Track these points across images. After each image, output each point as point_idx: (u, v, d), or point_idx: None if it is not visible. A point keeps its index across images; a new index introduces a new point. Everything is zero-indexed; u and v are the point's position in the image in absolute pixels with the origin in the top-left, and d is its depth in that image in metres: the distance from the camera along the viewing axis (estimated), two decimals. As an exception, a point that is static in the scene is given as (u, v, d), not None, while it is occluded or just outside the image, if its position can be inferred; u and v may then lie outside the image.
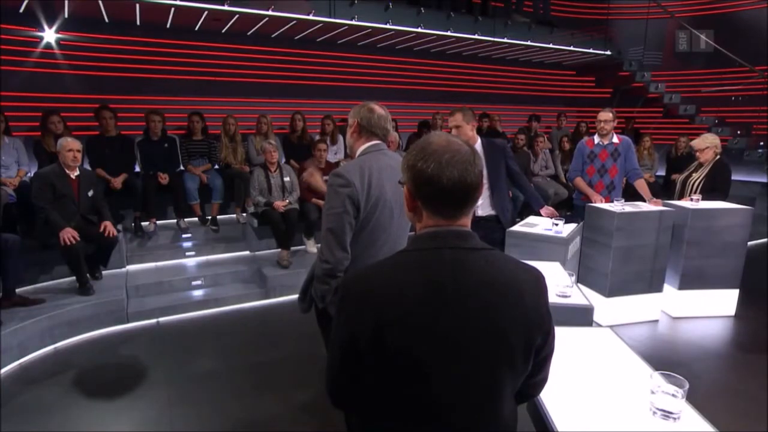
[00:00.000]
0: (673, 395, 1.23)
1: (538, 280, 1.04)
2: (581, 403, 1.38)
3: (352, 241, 1.86)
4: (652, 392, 1.27)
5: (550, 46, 7.28)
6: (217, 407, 2.84)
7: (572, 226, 3.59)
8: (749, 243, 4.26)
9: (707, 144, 4.37)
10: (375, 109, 1.97)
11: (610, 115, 4.25)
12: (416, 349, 0.95)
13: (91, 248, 4.11)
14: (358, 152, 1.98)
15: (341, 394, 1.10)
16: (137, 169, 5.20)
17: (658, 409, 1.26)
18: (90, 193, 4.13)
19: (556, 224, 3.29)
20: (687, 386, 1.23)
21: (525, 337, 0.99)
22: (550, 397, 1.36)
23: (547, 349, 1.07)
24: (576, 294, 2.16)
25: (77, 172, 4.04)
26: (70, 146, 3.91)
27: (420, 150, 1.02)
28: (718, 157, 4.43)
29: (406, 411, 0.98)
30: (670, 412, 1.24)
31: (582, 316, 2.01)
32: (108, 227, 4.02)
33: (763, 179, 7.58)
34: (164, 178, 5.01)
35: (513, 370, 0.99)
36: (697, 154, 4.45)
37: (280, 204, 4.89)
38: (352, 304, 1.00)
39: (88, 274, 4.07)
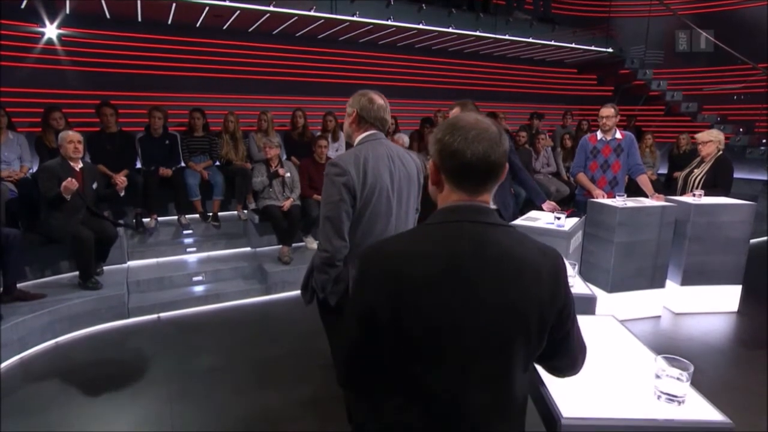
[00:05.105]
0: (678, 378, 1.22)
1: (556, 259, 1.06)
2: (586, 389, 1.37)
3: (351, 230, 1.86)
4: (657, 376, 1.26)
5: (552, 43, 7.27)
6: (218, 403, 2.83)
7: (574, 220, 3.59)
8: (752, 241, 4.25)
9: (711, 138, 4.36)
10: (375, 99, 1.96)
11: (612, 110, 4.24)
12: (435, 320, 0.97)
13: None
14: (356, 141, 1.98)
15: (355, 369, 1.10)
16: (138, 165, 5.20)
17: (662, 393, 1.25)
18: (94, 186, 4.14)
19: (558, 218, 3.28)
20: (692, 369, 1.22)
21: (539, 311, 1.00)
22: (554, 383, 1.35)
23: (563, 330, 1.07)
24: (578, 284, 2.15)
25: (81, 165, 4.04)
26: (71, 138, 3.92)
27: (449, 126, 1.05)
28: (720, 153, 4.42)
29: (420, 383, 1.00)
30: (675, 396, 1.23)
31: (585, 306, 2.00)
32: (119, 181, 4.04)
33: (765, 177, 7.56)
34: (166, 172, 5.02)
35: (527, 343, 1.01)
36: (700, 147, 4.43)
37: (287, 204, 4.92)
38: (371, 275, 1.02)
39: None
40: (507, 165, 1.08)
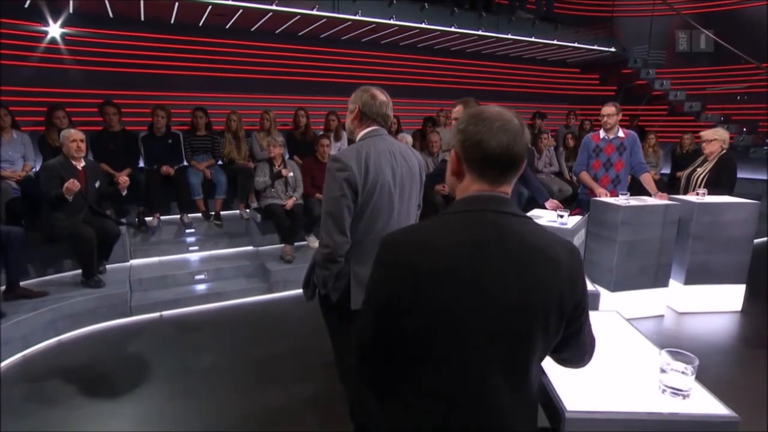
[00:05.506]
0: (683, 372, 1.21)
1: (574, 252, 1.06)
2: (590, 383, 1.36)
3: (353, 226, 1.85)
4: (662, 370, 1.25)
5: (554, 42, 7.26)
6: (220, 401, 2.83)
7: (577, 218, 3.58)
8: (755, 241, 4.22)
9: (716, 136, 4.33)
10: (377, 95, 1.96)
11: (613, 108, 4.23)
12: (457, 306, 0.96)
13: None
14: (358, 137, 1.97)
15: (368, 363, 1.08)
16: (141, 164, 5.21)
17: (667, 387, 1.24)
18: (97, 184, 4.14)
19: (561, 216, 3.27)
20: (697, 362, 1.21)
21: (558, 301, 1.00)
22: (558, 377, 1.35)
23: (577, 323, 1.08)
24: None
25: (83, 163, 4.05)
26: (73, 137, 3.91)
27: (472, 116, 1.05)
28: (724, 151, 4.40)
29: (438, 377, 0.99)
30: (680, 390, 1.22)
31: (589, 302, 1.99)
32: (121, 180, 4.04)
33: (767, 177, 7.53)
34: (169, 171, 5.03)
35: (545, 333, 1.01)
36: (704, 145, 4.41)
37: (289, 203, 4.95)
38: (393, 259, 1.01)
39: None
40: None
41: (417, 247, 0.99)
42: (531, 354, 1.00)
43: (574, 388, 1.32)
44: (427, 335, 0.98)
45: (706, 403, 1.24)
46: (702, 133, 4.49)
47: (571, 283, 1.02)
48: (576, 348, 1.12)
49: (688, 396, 1.23)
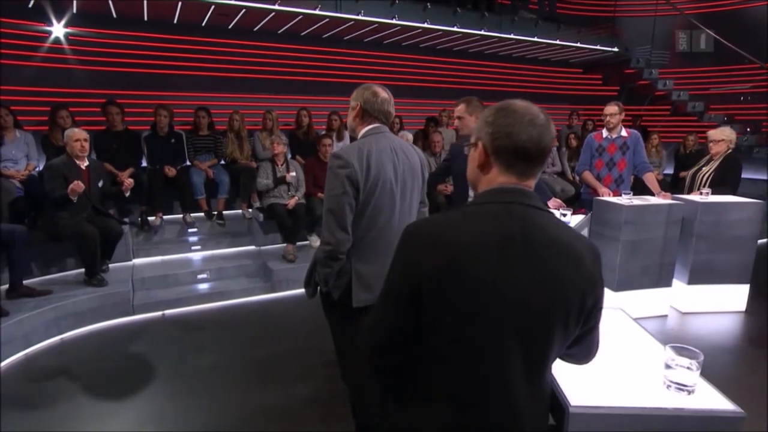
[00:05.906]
0: (688, 368, 1.21)
1: (594, 249, 1.06)
2: (594, 378, 1.35)
3: (354, 223, 1.84)
4: (667, 366, 1.24)
5: (557, 42, 7.25)
6: (221, 400, 2.82)
7: (579, 217, 3.56)
8: (759, 241, 4.20)
9: (723, 137, 4.32)
10: (378, 92, 1.95)
11: (616, 108, 4.22)
12: (478, 302, 0.95)
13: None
14: (360, 135, 1.97)
15: (382, 357, 1.07)
16: (144, 163, 5.22)
17: (672, 382, 1.23)
18: (100, 184, 4.15)
19: (564, 215, 3.26)
20: (701, 358, 1.20)
21: (580, 297, 0.99)
22: (562, 372, 1.34)
23: (592, 321, 1.07)
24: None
25: (86, 163, 4.06)
26: (77, 136, 3.92)
27: (501, 109, 1.05)
28: (730, 151, 4.38)
29: (457, 375, 0.98)
30: (685, 385, 1.21)
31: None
32: (125, 180, 4.07)
33: (769, 177, 7.50)
34: (171, 171, 5.04)
35: (565, 330, 1.00)
36: (711, 145, 4.39)
37: (292, 202, 4.96)
38: (418, 248, 1.00)
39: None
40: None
41: (439, 240, 0.98)
42: (549, 351, 0.99)
43: (577, 383, 1.31)
44: (446, 331, 0.96)
45: (711, 399, 1.23)
46: (709, 133, 4.47)
47: (592, 281, 1.01)
48: (585, 345, 1.12)
49: (693, 391, 1.22)
